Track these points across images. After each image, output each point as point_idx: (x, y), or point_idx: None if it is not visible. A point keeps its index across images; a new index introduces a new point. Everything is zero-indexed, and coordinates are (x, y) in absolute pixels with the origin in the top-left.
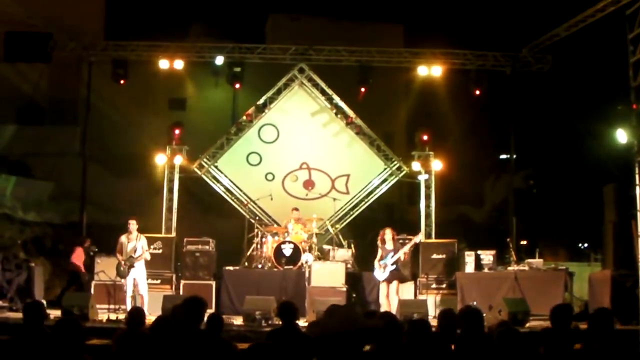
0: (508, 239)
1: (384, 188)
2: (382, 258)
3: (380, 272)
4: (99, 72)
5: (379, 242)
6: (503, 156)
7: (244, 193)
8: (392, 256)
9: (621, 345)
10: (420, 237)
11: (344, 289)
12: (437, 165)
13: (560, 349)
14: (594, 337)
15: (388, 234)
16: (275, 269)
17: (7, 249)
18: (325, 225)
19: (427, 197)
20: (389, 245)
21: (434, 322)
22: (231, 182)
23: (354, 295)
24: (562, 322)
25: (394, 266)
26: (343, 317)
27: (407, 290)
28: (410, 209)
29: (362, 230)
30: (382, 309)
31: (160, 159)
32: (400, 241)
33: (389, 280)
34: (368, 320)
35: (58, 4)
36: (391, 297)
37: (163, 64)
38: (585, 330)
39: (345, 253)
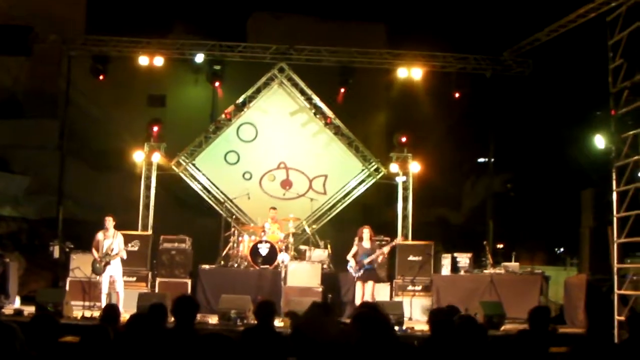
0: (485, 242)
1: (362, 189)
2: (356, 254)
3: (356, 269)
4: (79, 67)
5: (356, 239)
6: (482, 159)
7: (222, 191)
8: (369, 255)
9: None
10: (398, 240)
11: (320, 290)
12: (415, 167)
13: (537, 351)
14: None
15: (366, 232)
16: (252, 268)
17: None
18: (302, 225)
19: (405, 199)
20: (366, 243)
21: (409, 324)
22: (209, 180)
23: (330, 295)
24: (540, 324)
25: (370, 266)
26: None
27: (382, 292)
28: (387, 211)
29: (338, 230)
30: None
31: (138, 156)
32: (377, 242)
33: (364, 280)
34: (342, 334)
35: None
36: (366, 299)
37: (143, 60)
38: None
39: (321, 253)
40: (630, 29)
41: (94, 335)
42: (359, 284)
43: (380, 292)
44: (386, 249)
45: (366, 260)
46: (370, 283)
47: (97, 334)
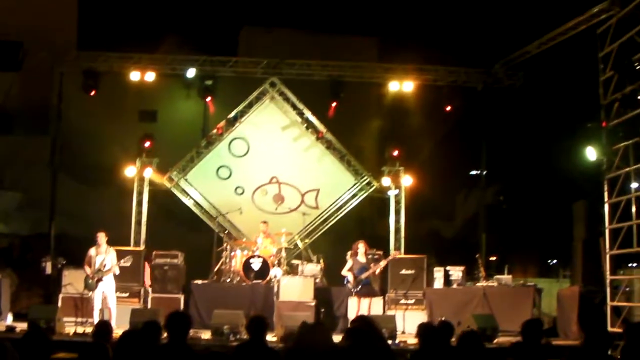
0: (477, 255)
1: (354, 203)
2: (352, 269)
3: (353, 284)
4: (70, 82)
5: (349, 254)
6: (474, 172)
7: (214, 206)
8: (365, 270)
9: None
10: (396, 253)
11: (313, 304)
12: (408, 180)
13: None
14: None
15: (361, 247)
16: (244, 283)
17: None
18: (294, 239)
19: (397, 212)
20: (362, 258)
21: (402, 337)
22: (201, 195)
23: (323, 310)
24: (533, 336)
25: (367, 280)
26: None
27: (375, 306)
28: (380, 224)
29: (331, 245)
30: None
31: (130, 171)
32: (370, 256)
33: (362, 295)
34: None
35: (30, 13)
36: (362, 313)
37: (134, 75)
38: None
39: (314, 268)
40: (620, 41)
41: (92, 353)
42: (354, 299)
43: (372, 306)
44: (383, 263)
45: (363, 276)
46: (367, 299)
47: (95, 352)
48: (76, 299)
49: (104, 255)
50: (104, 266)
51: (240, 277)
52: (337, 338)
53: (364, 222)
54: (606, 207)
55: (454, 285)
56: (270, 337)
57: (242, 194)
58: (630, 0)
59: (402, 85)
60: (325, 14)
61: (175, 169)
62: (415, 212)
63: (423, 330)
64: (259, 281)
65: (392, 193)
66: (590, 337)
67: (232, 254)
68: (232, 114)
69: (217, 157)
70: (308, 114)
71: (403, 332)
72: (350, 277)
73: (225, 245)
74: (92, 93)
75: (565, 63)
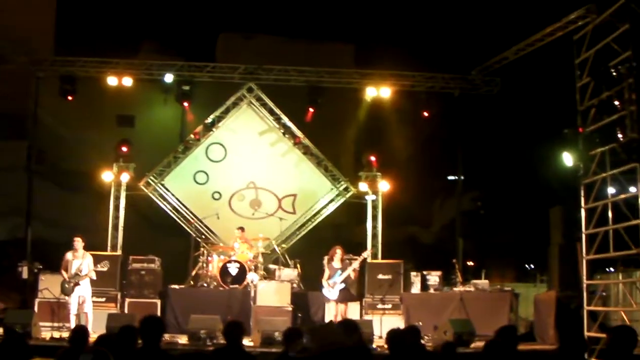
0: (454, 260)
1: (331, 208)
2: (330, 277)
3: (330, 290)
4: (48, 88)
5: (325, 261)
6: (451, 177)
7: (191, 211)
8: (341, 274)
9: None
10: (368, 253)
11: (290, 309)
12: (385, 186)
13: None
14: None
15: (338, 253)
16: (221, 288)
17: None
18: (271, 244)
19: (374, 217)
20: (337, 264)
21: (378, 342)
22: (178, 200)
23: (300, 315)
24: (508, 342)
25: (343, 285)
26: (324, 337)
27: (352, 310)
28: (357, 230)
29: (308, 250)
30: None
31: (107, 176)
32: (347, 260)
33: (339, 301)
34: (347, 337)
35: (7, 18)
36: (339, 319)
37: (111, 80)
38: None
39: (291, 273)
40: (596, 47)
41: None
42: (332, 304)
43: (350, 311)
44: (356, 264)
45: (339, 280)
46: (343, 304)
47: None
48: (52, 304)
49: (80, 260)
50: (81, 271)
51: (217, 282)
52: None
53: (341, 227)
54: (582, 212)
55: (431, 290)
56: (247, 342)
57: (219, 199)
58: (606, 7)
59: (379, 91)
60: (302, 21)
61: (152, 173)
62: (393, 217)
63: (391, 336)
64: (236, 286)
65: (369, 198)
66: (566, 341)
67: (209, 259)
68: (210, 119)
69: (194, 162)
70: (285, 119)
71: (380, 337)
72: (326, 285)
73: (202, 250)
74: (70, 98)
75: (542, 69)
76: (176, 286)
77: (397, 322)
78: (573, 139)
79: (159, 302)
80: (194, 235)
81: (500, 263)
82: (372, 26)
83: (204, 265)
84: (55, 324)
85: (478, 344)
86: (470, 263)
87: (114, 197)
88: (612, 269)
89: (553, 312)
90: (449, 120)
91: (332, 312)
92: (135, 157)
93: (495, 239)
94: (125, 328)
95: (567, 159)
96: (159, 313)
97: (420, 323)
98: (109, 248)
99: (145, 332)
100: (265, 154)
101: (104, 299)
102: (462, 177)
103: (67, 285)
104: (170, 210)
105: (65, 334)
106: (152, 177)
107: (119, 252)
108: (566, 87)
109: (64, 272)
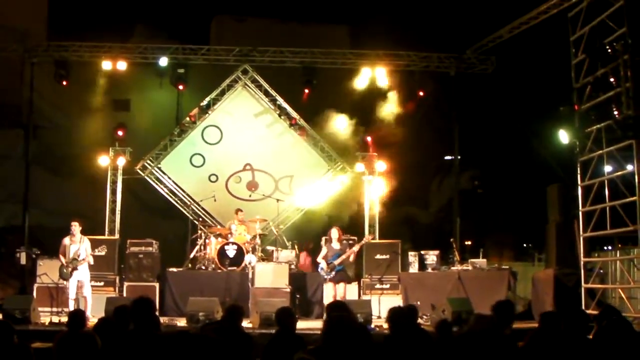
0: (452, 239)
1: (328, 189)
2: (326, 256)
3: (327, 271)
4: (42, 74)
5: (323, 241)
6: (448, 157)
7: (188, 194)
8: (339, 256)
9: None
10: (369, 238)
11: (288, 290)
12: (381, 166)
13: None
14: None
15: (335, 233)
16: (219, 270)
17: None
18: (269, 226)
19: (371, 198)
20: (335, 244)
21: (377, 322)
22: (174, 183)
23: (298, 296)
24: (505, 317)
25: (341, 267)
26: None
27: (351, 291)
28: (354, 210)
29: (306, 231)
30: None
31: (103, 161)
32: (345, 241)
33: (336, 281)
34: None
35: None
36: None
37: (106, 64)
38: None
39: (288, 254)
40: (591, 24)
41: None
42: (330, 285)
43: (348, 291)
44: (356, 248)
45: (337, 261)
46: (341, 284)
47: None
48: (51, 289)
49: (78, 244)
50: (79, 255)
51: (215, 264)
52: (313, 324)
53: (338, 208)
54: (579, 189)
55: (429, 270)
56: (246, 324)
57: (215, 181)
58: None
59: (374, 71)
60: (296, 3)
61: (149, 157)
62: (390, 197)
63: (392, 314)
64: (234, 268)
65: (366, 179)
66: (567, 319)
67: (207, 241)
68: (205, 102)
69: (190, 145)
70: (281, 100)
71: (379, 317)
72: (323, 264)
73: (199, 232)
74: (64, 83)
75: (537, 47)
76: (174, 269)
77: (395, 301)
78: (569, 117)
79: (157, 285)
80: (191, 218)
81: (498, 242)
82: (367, 6)
83: (202, 247)
84: (54, 309)
85: None
86: (468, 242)
87: (110, 181)
88: (609, 247)
89: (551, 291)
90: (445, 99)
91: (330, 293)
92: (131, 141)
93: (493, 218)
94: (119, 309)
95: (563, 136)
96: (157, 296)
97: (419, 302)
98: (106, 232)
99: (136, 313)
100: (261, 135)
101: (102, 283)
102: (459, 157)
103: (65, 270)
104: (167, 194)
105: (64, 319)
106: (148, 161)
107: (116, 236)
108: (561, 64)
109: (62, 257)
